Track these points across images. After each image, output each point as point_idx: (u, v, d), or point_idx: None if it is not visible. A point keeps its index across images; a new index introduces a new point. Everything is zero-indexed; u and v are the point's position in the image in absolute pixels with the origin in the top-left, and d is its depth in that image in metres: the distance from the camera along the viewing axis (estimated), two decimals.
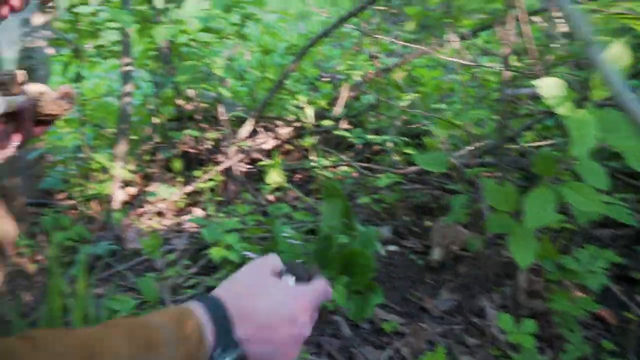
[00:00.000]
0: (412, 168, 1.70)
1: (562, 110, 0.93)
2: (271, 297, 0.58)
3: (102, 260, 1.57)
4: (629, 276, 1.30)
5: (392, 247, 1.48)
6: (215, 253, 1.35)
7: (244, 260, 1.34)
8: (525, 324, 0.98)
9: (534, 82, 0.97)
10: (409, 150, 1.95)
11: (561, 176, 1.25)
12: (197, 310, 0.53)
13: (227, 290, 0.58)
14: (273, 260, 0.62)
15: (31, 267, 1.55)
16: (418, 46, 1.70)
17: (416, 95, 2.06)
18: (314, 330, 1.20)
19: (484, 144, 1.64)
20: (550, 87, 0.92)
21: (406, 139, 2.01)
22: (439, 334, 1.15)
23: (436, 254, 1.38)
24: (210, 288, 1.34)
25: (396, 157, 1.95)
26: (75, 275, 1.35)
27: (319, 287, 0.61)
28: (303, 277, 0.62)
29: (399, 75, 2.18)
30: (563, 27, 1.53)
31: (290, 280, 0.61)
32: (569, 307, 1.03)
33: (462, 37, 1.98)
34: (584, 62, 1.78)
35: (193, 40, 2.14)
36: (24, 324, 1.23)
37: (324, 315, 1.21)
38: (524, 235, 0.98)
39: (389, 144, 1.91)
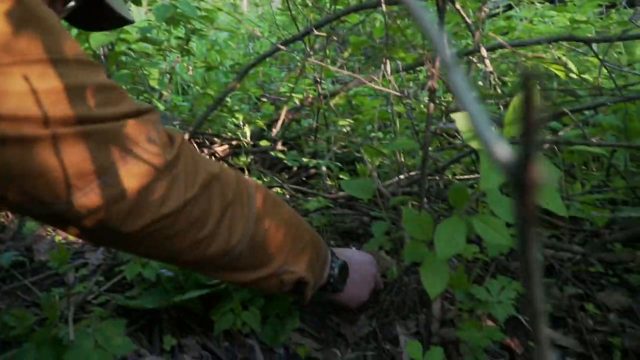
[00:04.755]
0: (342, 193, 1.71)
1: (475, 144, 0.96)
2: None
3: (8, 272, 1.46)
4: None
5: None
6: (130, 270, 1.29)
7: (159, 278, 1.28)
8: (433, 352, 0.99)
9: (452, 116, 1.00)
10: (343, 176, 1.97)
11: (475, 208, 1.30)
12: None
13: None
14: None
15: None
16: (357, 75, 1.73)
17: (353, 122, 2.10)
18: (228, 353, 1.15)
19: (413, 174, 1.68)
20: (464, 121, 0.95)
21: (341, 164, 2.02)
22: None
23: None
24: (121, 307, 1.27)
25: (329, 182, 1.95)
26: None
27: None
28: None
29: (338, 102, 2.21)
30: (489, 66, 1.61)
31: None
32: (476, 336, 1.04)
33: (399, 70, 2.05)
34: (507, 101, 1.87)
35: (131, 50, 2.09)
36: None
37: (240, 339, 1.18)
38: (436, 265, 0.99)
39: (323, 169, 1.92)
